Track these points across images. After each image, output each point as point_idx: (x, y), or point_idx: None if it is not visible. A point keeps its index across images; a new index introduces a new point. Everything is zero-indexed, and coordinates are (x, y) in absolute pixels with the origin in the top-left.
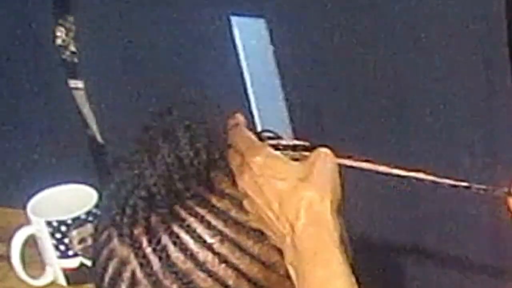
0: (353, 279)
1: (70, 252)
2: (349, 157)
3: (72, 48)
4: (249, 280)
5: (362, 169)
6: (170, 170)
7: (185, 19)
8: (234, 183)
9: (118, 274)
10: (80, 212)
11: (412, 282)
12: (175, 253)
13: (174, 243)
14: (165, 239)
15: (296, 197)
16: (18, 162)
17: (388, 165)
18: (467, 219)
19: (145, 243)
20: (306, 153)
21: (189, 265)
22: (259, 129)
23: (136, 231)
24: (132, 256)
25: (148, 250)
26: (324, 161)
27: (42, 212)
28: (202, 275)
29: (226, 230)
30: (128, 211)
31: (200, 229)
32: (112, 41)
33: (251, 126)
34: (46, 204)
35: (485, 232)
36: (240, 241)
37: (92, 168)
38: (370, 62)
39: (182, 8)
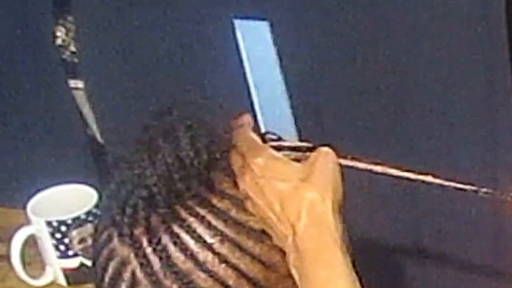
0: (356, 279)
1: (70, 252)
2: (353, 158)
3: (72, 48)
4: (249, 280)
5: (367, 171)
6: (170, 170)
7: (186, 19)
8: (234, 183)
9: (118, 274)
10: (80, 212)
11: (412, 282)
12: (175, 253)
13: (175, 243)
14: (166, 239)
15: (297, 198)
16: (18, 162)
17: (396, 167)
18: (467, 219)
19: (145, 243)
20: (309, 154)
21: (189, 265)
22: (262, 130)
23: (136, 231)
24: (132, 256)
25: (149, 250)
26: (325, 161)
27: (42, 212)
28: (203, 275)
29: (227, 230)
30: (129, 211)
31: (201, 229)
32: (112, 41)
33: (256, 127)
34: (46, 204)
35: (485, 232)
36: (240, 241)
37: (92, 168)
38: (373, 62)
39: (183, 9)
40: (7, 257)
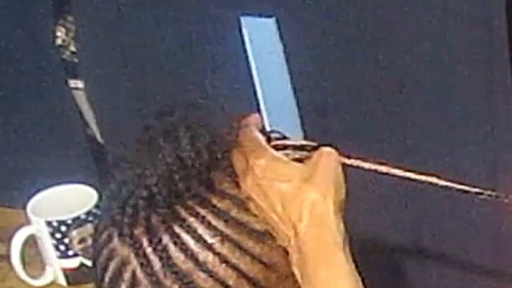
0: (358, 279)
1: (70, 252)
2: (357, 158)
3: (72, 48)
4: (249, 280)
5: (372, 171)
6: (171, 170)
7: (190, 18)
8: (235, 184)
9: (118, 274)
10: (80, 212)
11: (412, 282)
12: (175, 253)
13: (175, 243)
14: (166, 239)
15: (299, 199)
16: (18, 162)
17: (399, 167)
18: (467, 219)
19: (145, 243)
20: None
21: (189, 265)
22: (267, 128)
23: (136, 231)
24: (132, 256)
25: (149, 250)
26: (328, 160)
27: (42, 212)
28: (203, 275)
29: (227, 230)
30: (129, 211)
31: (201, 229)
32: (112, 41)
33: (262, 127)
34: (46, 204)
35: (485, 232)
36: (241, 241)
37: (92, 168)
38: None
39: (186, 8)
40: (7, 257)
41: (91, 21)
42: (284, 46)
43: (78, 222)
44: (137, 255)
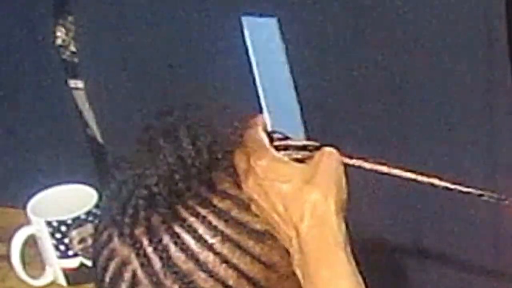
0: (359, 279)
1: (70, 252)
2: (359, 158)
3: (72, 48)
4: (249, 280)
5: (373, 171)
6: (171, 170)
7: (190, 18)
8: (236, 184)
9: (119, 274)
10: (80, 212)
11: (412, 282)
12: (176, 253)
13: (175, 243)
14: (166, 239)
15: (300, 200)
16: (18, 162)
17: (400, 167)
18: (467, 219)
19: (146, 243)
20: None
21: (190, 265)
22: (269, 129)
23: (137, 231)
24: (133, 256)
25: (149, 250)
26: (329, 161)
27: (42, 212)
28: (203, 275)
29: (227, 230)
30: (129, 210)
31: (201, 229)
32: (112, 41)
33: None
34: (46, 204)
35: (485, 232)
36: (241, 241)
37: (92, 168)
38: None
39: (184, 9)
40: (7, 257)
41: (91, 21)
42: (286, 46)
43: (78, 222)
44: (137, 255)
